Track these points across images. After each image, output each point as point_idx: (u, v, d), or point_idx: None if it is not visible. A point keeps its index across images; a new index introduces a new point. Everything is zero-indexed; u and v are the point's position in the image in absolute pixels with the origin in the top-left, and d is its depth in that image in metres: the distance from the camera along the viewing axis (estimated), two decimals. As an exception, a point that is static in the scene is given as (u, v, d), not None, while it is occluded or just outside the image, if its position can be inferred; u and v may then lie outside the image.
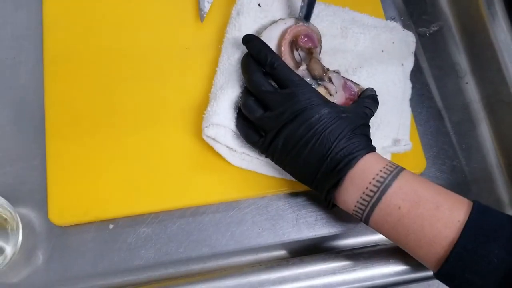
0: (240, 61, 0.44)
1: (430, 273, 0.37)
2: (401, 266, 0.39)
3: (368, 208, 0.36)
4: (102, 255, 0.43)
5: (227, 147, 0.43)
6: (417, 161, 0.47)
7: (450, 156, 0.49)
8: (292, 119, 0.38)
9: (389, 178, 0.36)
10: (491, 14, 0.49)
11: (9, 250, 0.41)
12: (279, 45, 0.44)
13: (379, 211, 0.36)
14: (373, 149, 0.39)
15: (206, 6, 0.49)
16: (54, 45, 0.47)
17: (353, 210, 0.38)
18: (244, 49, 0.44)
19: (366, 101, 0.42)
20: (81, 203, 0.43)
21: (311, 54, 0.44)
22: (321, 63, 0.43)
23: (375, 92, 0.43)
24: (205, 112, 0.44)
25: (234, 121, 0.43)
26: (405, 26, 0.53)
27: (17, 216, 0.42)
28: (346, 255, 0.39)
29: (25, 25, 0.49)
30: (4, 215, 0.42)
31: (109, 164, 0.44)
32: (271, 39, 0.44)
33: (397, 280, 0.39)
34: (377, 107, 0.42)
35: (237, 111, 0.43)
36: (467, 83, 0.52)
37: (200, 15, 0.49)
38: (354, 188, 0.37)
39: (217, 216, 0.44)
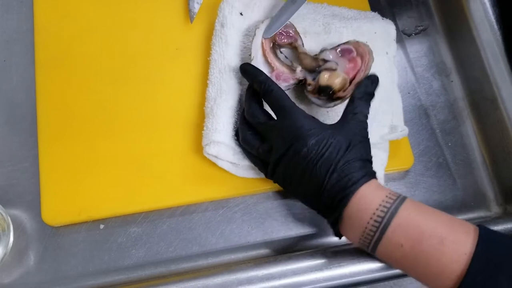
0: (231, 73, 0.45)
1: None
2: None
3: (371, 246, 0.35)
4: (93, 255, 0.43)
5: (230, 162, 0.44)
6: (405, 158, 0.48)
7: (436, 153, 0.50)
8: (284, 152, 0.38)
9: (388, 216, 0.34)
10: (475, 14, 0.50)
11: (0, 251, 0.42)
12: (265, 58, 0.45)
13: (382, 249, 0.35)
14: (369, 177, 0.36)
15: (196, 7, 0.49)
16: (45, 48, 0.48)
17: (359, 244, 0.37)
18: (233, 59, 0.45)
19: (357, 105, 0.39)
20: (74, 204, 0.43)
21: (295, 48, 0.44)
22: (309, 54, 0.44)
23: (372, 82, 0.41)
24: (204, 128, 0.44)
25: (234, 138, 0.43)
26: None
27: (8, 217, 0.43)
28: (333, 251, 0.40)
29: (16, 29, 0.50)
30: (-5, 217, 0.43)
31: (101, 165, 0.45)
32: (257, 50, 0.45)
33: (383, 275, 0.39)
34: (369, 106, 0.40)
35: (236, 129, 0.44)
36: (452, 81, 0.53)
37: (190, 16, 0.49)
38: (353, 227, 0.36)
39: (207, 215, 0.45)
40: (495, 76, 0.49)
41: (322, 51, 0.44)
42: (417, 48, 0.54)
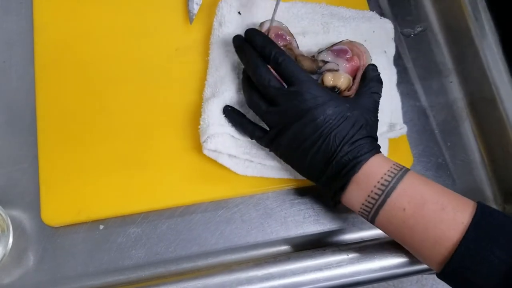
0: (228, 71, 0.44)
1: (413, 268, 0.38)
2: (387, 261, 0.40)
3: (373, 210, 0.37)
4: (92, 256, 0.43)
5: (229, 156, 0.44)
6: (405, 158, 0.48)
7: (435, 154, 0.50)
8: (298, 118, 0.38)
9: (394, 181, 0.36)
10: (474, 14, 0.50)
11: None
12: None
13: (384, 213, 0.36)
14: (378, 150, 0.39)
15: (195, 8, 0.49)
16: (45, 48, 0.48)
17: (359, 211, 0.38)
18: (231, 58, 0.45)
19: (372, 86, 0.41)
20: (73, 204, 0.43)
21: (290, 50, 0.45)
22: (307, 56, 0.44)
23: (376, 68, 0.43)
24: (199, 127, 0.44)
25: (229, 124, 0.43)
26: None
27: (8, 218, 0.43)
28: (332, 251, 0.40)
29: (15, 30, 0.50)
30: (-6, 217, 0.43)
31: (100, 165, 0.45)
32: None
33: (383, 275, 0.39)
34: (382, 87, 0.42)
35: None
36: (451, 82, 0.53)
37: (189, 16, 0.49)
38: (359, 191, 0.37)
39: (206, 215, 0.45)
40: (494, 77, 0.49)
41: (319, 52, 0.44)
42: (416, 49, 0.54)
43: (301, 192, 0.46)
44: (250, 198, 0.46)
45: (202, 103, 0.45)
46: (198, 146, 0.44)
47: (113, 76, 0.48)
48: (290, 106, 0.39)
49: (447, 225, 0.34)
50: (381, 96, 0.42)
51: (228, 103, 0.44)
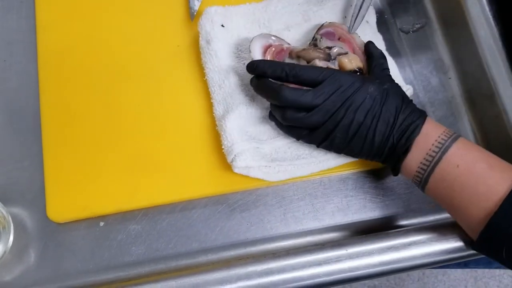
0: (232, 85, 0.45)
1: (412, 263, 0.38)
2: (386, 255, 0.40)
3: (430, 168, 0.39)
4: (93, 253, 0.44)
5: (259, 166, 0.43)
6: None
7: (434, 150, 0.50)
8: (346, 109, 0.39)
9: (450, 140, 0.39)
10: (472, 11, 0.50)
11: (0, 249, 0.42)
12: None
13: (439, 170, 0.38)
14: (425, 113, 0.41)
15: (196, 5, 0.50)
16: (48, 47, 0.48)
17: (416, 172, 0.40)
18: (228, 71, 0.45)
19: (381, 63, 0.43)
20: (79, 200, 0.44)
21: (291, 53, 0.45)
22: (307, 49, 0.44)
23: (374, 44, 0.44)
24: (222, 147, 0.44)
25: (251, 139, 0.43)
26: (389, 24, 0.54)
27: (9, 215, 0.43)
28: (331, 246, 0.40)
29: (16, 29, 0.50)
30: (-5, 214, 0.43)
31: (105, 162, 0.45)
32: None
33: (382, 270, 0.40)
34: (387, 61, 0.44)
35: (247, 129, 0.44)
36: (450, 78, 0.53)
37: (190, 13, 0.50)
38: (418, 151, 0.39)
39: (206, 212, 0.45)
40: (493, 73, 0.49)
41: (314, 40, 0.44)
42: (414, 45, 0.54)
43: (300, 189, 0.46)
44: (250, 194, 0.46)
45: (217, 122, 0.45)
46: (200, 142, 0.45)
47: (115, 73, 0.48)
48: (332, 100, 0.39)
49: (495, 181, 0.37)
50: (389, 71, 0.44)
51: (244, 115, 0.44)
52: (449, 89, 0.53)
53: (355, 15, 0.46)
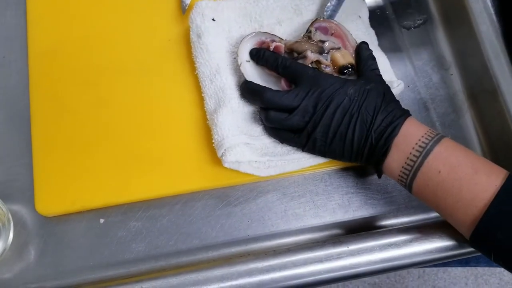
0: (222, 79, 0.45)
1: (414, 260, 0.37)
2: (387, 252, 0.40)
3: (412, 172, 0.38)
4: (93, 249, 0.43)
5: (249, 161, 0.43)
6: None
7: (435, 147, 0.50)
8: (324, 110, 0.39)
9: (431, 143, 0.37)
10: (474, 7, 0.50)
11: (0, 246, 0.42)
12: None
13: (421, 175, 0.38)
14: (408, 113, 0.40)
15: None
16: (39, 42, 0.48)
17: (399, 176, 0.39)
18: (220, 65, 0.45)
19: (370, 64, 0.43)
20: (67, 193, 0.44)
21: (286, 47, 0.45)
22: (301, 41, 0.44)
23: (367, 45, 0.44)
24: (213, 142, 0.43)
25: (242, 134, 0.43)
26: (390, 20, 0.54)
27: (8, 212, 0.43)
28: (333, 243, 0.40)
29: (14, 25, 0.50)
30: (-5, 211, 0.43)
31: (95, 155, 0.45)
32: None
33: (383, 267, 0.39)
34: (376, 63, 0.44)
35: (239, 123, 0.44)
36: (451, 74, 0.53)
37: (182, 7, 0.50)
38: (399, 154, 0.38)
39: (207, 209, 0.45)
40: (495, 69, 0.49)
41: (309, 31, 0.44)
42: (416, 41, 0.54)
43: (301, 186, 0.46)
44: (250, 191, 0.46)
45: (208, 116, 0.45)
46: (194, 135, 0.45)
47: (106, 67, 0.48)
48: (312, 102, 0.40)
49: (481, 187, 0.35)
50: (379, 71, 0.43)
51: (236, 109, 0.44)
52: (450, 86, 0.52)
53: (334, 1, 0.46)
